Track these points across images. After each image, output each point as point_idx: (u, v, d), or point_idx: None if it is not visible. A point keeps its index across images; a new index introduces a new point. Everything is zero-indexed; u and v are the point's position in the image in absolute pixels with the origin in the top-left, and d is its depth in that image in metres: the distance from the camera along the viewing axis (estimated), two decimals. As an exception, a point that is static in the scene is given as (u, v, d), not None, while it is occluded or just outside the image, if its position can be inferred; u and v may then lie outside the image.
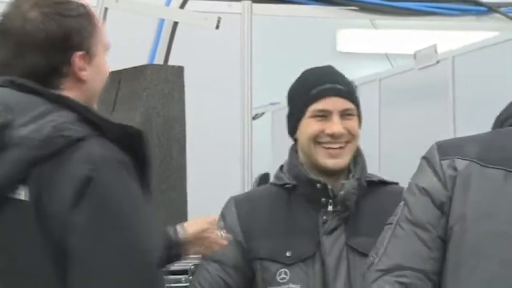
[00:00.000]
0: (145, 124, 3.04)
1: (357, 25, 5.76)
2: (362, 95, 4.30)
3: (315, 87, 2.23)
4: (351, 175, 2.26)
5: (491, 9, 3.33)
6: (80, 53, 1.62)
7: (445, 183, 1.82)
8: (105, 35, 1.86)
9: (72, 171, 1.58)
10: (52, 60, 1.61)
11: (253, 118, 3.80)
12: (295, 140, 2.35)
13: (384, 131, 3.82)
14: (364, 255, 2.16)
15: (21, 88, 1.60)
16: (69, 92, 1.65)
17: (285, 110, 3.13)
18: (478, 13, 3.54)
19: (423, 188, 1.84)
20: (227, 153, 3.52)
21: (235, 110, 3.24)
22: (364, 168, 2.32)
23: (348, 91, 2.26)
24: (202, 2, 3.48)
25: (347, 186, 2.24)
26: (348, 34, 6.34)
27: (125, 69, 3.17)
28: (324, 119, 2.21)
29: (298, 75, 2.48)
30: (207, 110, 2.70)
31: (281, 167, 2.41)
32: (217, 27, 3.18)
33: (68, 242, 1.53)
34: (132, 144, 1.65)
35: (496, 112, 2.00)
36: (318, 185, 2.22)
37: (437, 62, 3.89)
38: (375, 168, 3.99)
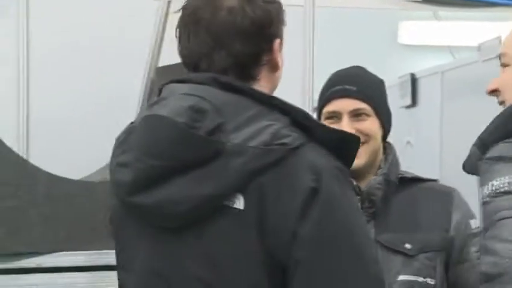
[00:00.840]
0: None
1: (419, 17, 5.74)
2: (424, 87, 4.23)
3: (327, 90, 2.25)
4: (379, 171, 2.26)
5: (552, 0, 3.18)
6: (279, 40, 1.56)
7: None
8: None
9: (295, 183, 1.51)
10: (257, 48, 1.53)
11: (315, 110, 3.74)
12: None
13: (446, 124, 3.77)
14: (391, 250, 2.23)
15: (225, 87, 1.52)
16: (264, 82, 1.59)
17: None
18: (541, 4, 3.40)
19: None
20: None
21: (296, 102, 3.02)
22: (394, 164, 2.30)
23: (358, 91, 2.23)
24: None
25: (372, 182, 2.24)
26: (410, 26, 6.22)
27: None
28: (337, 121, 2.21)
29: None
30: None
31: None
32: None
33: (293, 254, 1.48)
34: (343, 150, 1.59)
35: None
36: None
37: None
38: (435, 162, 3.93)
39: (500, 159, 1.82)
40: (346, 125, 2.19)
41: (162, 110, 1.49)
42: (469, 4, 3.60)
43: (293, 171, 1.45)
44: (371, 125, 2.22)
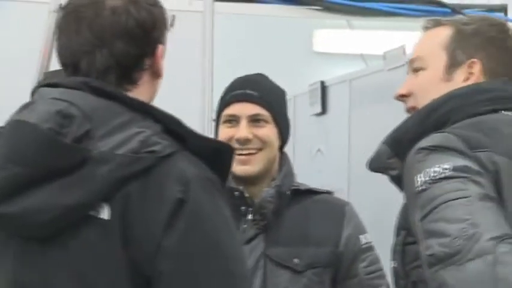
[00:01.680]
0: None
1: (333, 25, 5.86)
2: (333, 95, 4.32)
3: (228, 94, 2.27)
4: (273, 183, 2.26)
5: (454, 10, 3.35)
6: (162, 46, 1.54)
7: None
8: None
9: (163, 193, 1.49)
10: (140, 51, 1.52)
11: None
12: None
13: (354, 131, 3.83)
14: (280, 265, 2.27)
15: (96, 92, 1.49)
16: (144, 88, 1.57)
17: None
18: (443, 14, 3.54)
19: (475, 170, 1.88)
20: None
21: (195, 111, 3.16)
22: (288, 175, 2.32)
23: (259, 96, 2.26)
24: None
25: (264, 194, 2.24)
26: (324, 34, 6.40)
27: None
28: (235, 124, 2.23)
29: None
30: (167, 107, 2.73)
31: None
32: (171, 25, 3.02)
33: (157, 266, 1.46)
34: (218, 160, 1.56)
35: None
36: (236, 193, 2.22)
37: (406, 63, 3.97)
38: (344, 169, 4.00)
39: (436, 148, 1.88)
40: (243, 129, 2.22)
41: (30, 115, 1.44)
42: (371, 13, 3.65)
43: (161, 181, 1.43)
44: (269, 131, 2.23)
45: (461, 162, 1.88)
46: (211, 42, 3.17)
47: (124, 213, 1.44)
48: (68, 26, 1.51)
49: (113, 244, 1.45)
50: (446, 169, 1.86)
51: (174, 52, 3.45)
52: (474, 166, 1.89)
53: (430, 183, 1.86)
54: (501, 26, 2.21)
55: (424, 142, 1.90)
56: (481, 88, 2.03)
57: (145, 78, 1.52)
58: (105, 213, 1.45)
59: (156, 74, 1.54)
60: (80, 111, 1.41)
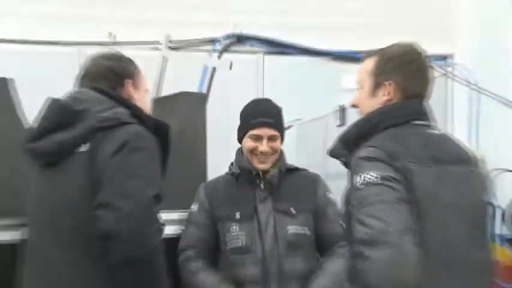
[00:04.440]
0: (184, 123, 3.68)
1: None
2: (350, 113, 5.36)
3: (254, 119, 3.09)
4: (276, 167, 3.12)
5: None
6: (130, 79, 2.59)
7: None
8: (145, 82, 2.77)
9: (117, 137, 2.27)
10: (113, 83, 2.52)
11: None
12: (241, 145, 3.20)
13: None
14: (284, 213, 3.07)
15: (101, 91, 2.46)
16: (125, 93, 2.54)
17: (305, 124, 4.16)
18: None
19: (393, 178, 2.21)
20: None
21: None
22: (283, 162, 3.18)
23: (274, 123, 3.11)
24: (233, 54, 4.69)
25: (271, 173, 3.10)
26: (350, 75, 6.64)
27: (176, 93, 3.83)
28: (258, 140, 3.07)
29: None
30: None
31: (232, 163, 3.28)
32: (230, 68, 4.39)
33: (104, 174, 2.23)
34: (160, 133, 2.43)
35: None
36: (254, 172, 3.10)
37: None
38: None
39: (369, 159, 2.26)
40: (265, 145, 3.07)
41: (60, 98, 2.43)
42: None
43: (118, 133, 2.28)
44: (278, 144, 3.10)
45: (386, 172, 2.23)
46: (263, 83, 4.55)
47: (94, 147, 2.30)
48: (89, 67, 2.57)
49: (85, 163, 2.29)
50: (375, 177, 2.24)
51: (235, 88, 4.44)
52: (394, 175, 2.24)
53: (364, 185, 2.25)
54: (413, 52, 2.52)
55: (362, 153, 2.29)
56: (398, 106, 2.43)
57: (124, 95, 2.52)
58: (85, 147, 2.32)
59: (129, 96, 2.54)
60: (84, 97, 2.40)
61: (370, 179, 2.25)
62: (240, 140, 3.17)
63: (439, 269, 2.40)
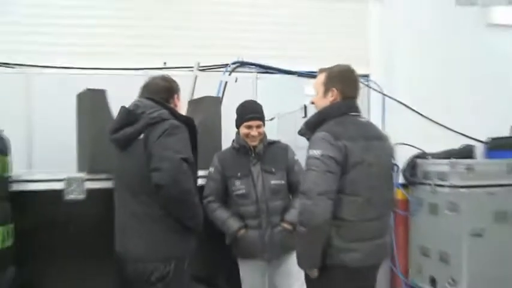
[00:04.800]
0: (206, 116, 4.15)
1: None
2: None
3: (246, 115, 3.75)
4: (261, 143, 3.79)
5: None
6: (176, 94, 3.25)
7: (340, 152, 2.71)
8: (180, 94, 3.28)
9: (160, 128, 2.90)
10: (168, 96, 3.17)
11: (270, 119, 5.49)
12: (238, 130, 3.85)
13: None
14: (268, 172, 3.73)
15: (152, 100, 3.10)
16: (173, 104, 3.11)
17: (283, 116, 5.81)
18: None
19: (330, 156, 2.74)
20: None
21: None
22: (265, 139, 3.78)
23: (260, 117, 3.71)
24: (238, 73, 5.57)
25: (258, 147, 3.77)
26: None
27: (201, 97, 4.50)
28: (250, 128, 3.73)
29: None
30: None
31: (233, 141, 3.87)
32: (236, 81, 5.47)
33: (153, 150, 2.84)
34: (190, 126, 3.00)
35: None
36: (247, 147, 3.77)
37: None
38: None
39: (319, 140, 2.76)
40: (254, 131, 3.70)
41: (129, 105, 2.99)
42: None
43: (161, 125, 2.89)
44: (262, 129, 3.77)
45: (326, 151, 2.70)
46: (256, 91, 5.47)
47: (147, 135, 2.94)
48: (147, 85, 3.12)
49: (143, 145, 2.93)
50: (317, 153, 2.72)
51: (239, 94, 5.01)
52: (331, 153, 2.70)
53: (311, 157, 2.76)
54: (349, 70, 3.01)
55: (316, 135, 2.73)
56: (340, 104, 2.91)
57: (173, 104, 3.10)
58: (141, 136, 2.96)
59: (175, 104, 3.12)
60: (142, 104, 3.06)
61: (315, 154, 2.76)
62: (237, 127, 3.91)
63: (364, 204, 2.84)
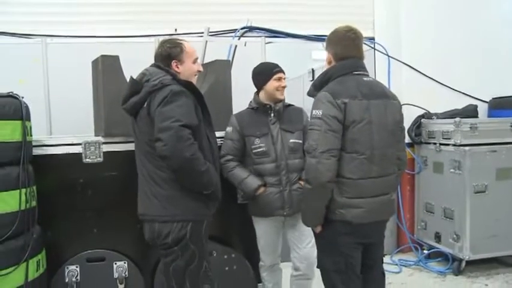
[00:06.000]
0: (217, 78, 4.16)
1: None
2: None
3: (274, 69, 3.71)
4: (281, 103, 3.73)
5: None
6: (174, 60, 3.10)
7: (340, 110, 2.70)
8: (193, 55, 3.15)
9: (160, 95, 2.86)
10: (166, 62, 3.09)
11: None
12: (258, 90, 3.77)
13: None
14: (286, 131, 3.64)
15: (158, 67, 3.07)
16: (175, 68, 3.04)
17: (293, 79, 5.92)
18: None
19: (331, 116, 2.71)
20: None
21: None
22: (284, 101, 3.74)
23: (282, 70, 3.71)
24: (247, 38, 5.74)
25: (278, 107, 3.69)
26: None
27: (212, 61, 4.40)
28: (280, 80, 3.70)
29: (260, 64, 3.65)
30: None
31: (250, 102, 3.83)
32: (245, 45, 5.59)
33: (155, 119, 2.82)
34: (192, 89, 2.97)
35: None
36: (268, 105, 3.70)
37: None
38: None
39: (321, 101, 2.76)
40: (284, 83, 3.64)
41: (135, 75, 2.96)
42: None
43: (162, 91, 2.88)
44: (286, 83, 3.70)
45: (327, 111, 2.67)
46: (265, 55, 5.76)
47: (149, 103, 2.93)
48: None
49: (147, 113, 2.94)
50: (320, 113, 2.70)
51: (248, 58, 5.37)
52: (332, 112, 2.66)
53: (313, 117, 2.74)
54: (350, 30, 2.93)
55: (318, 95, 2.74)
56: (343, 64, 2.90)
57: (173, 71, 3.01)
58: (145, 104, 2.94)
59: (176, 71, 3.02)
60: (148, 72, 3.02)
61: (317, 114, 2.76)
62: (262, 86, 3.79)
63: (364, 161, 2.81)
